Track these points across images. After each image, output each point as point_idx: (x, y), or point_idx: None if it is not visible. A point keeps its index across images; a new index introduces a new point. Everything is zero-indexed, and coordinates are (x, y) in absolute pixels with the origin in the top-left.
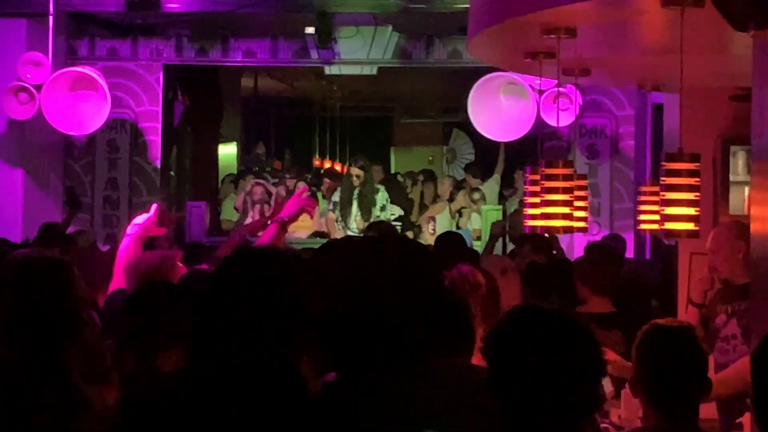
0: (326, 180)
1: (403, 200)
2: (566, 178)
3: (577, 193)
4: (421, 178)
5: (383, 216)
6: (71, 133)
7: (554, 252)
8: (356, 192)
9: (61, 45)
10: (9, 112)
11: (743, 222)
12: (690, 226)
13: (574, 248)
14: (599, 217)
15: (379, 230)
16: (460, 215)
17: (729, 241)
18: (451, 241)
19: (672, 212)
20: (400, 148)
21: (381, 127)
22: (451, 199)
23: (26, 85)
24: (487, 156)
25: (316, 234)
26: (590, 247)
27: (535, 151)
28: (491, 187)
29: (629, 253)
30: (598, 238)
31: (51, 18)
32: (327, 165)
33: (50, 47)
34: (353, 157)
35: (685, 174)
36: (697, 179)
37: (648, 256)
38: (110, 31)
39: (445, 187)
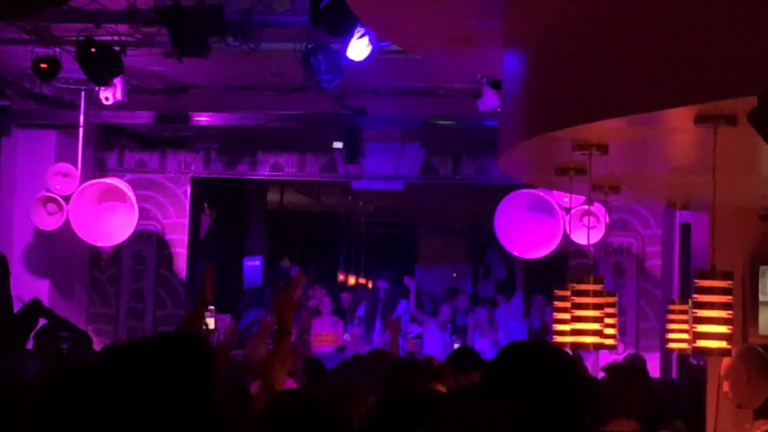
0: (350, 295)
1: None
2: (597, 294)
3: (606, 310)
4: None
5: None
6: (98, 244)
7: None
8: (380, 306)
9: (90, 156)
10: (37, 223)
11: (754, 346)
12: (723, 344)
13: (599, 367)
14: (625, 336)
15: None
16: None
17: (734, 367)
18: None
19: (704, 330)
20: (424, 264)
21: (406, 243)
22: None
23: (55, 195)
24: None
25: (341, 349)
26: (613, 368)
27: (554, 269)
28: (516, 304)
29: (655, 373)
30: (623, 357)
31: (81, 130)
32: (351, 280)
33: (79, 158)
34: (378, 272)
35: (718, 291)
36: (730, 297)
37: (674, 376)
38: (139, 144)
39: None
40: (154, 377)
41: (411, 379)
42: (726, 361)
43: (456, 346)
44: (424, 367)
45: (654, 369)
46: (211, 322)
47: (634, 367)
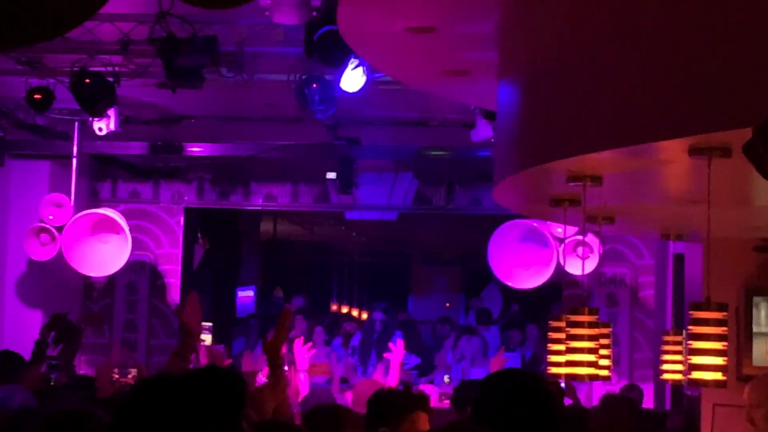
0: (345, 325)
1: (420, 347)
2: (591, 325)
3: (601, 341)
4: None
5: None
6: (91, 274)
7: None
8: (376, 337)
9: (84, 187)
10: (30, 253)
11: None
12: (718, 375)
13: (593, 398)
14: (618, 367)
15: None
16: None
17: None
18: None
19: (699, 361)
20: (417, 294)
21: (399, 274)
22: (454, 346)
23: (48, 226)
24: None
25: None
26: (606, 398)
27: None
28: (496, 333)
29: (649, 404)
30: (617, 387)
31: (74, 160)
32: (344, 310)
33: (73, 189)
34: (372, 302)
35: (713, 323)
36: (725, 328)
37: (668, 406)
38: (132, 174)
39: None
40: (190, 410)
41: (391, 408)
42: (758, 390)
43: (446, 378)
44: (404, 395)
45: (648, 399)
46: (207, 339)
47: (625, 397)
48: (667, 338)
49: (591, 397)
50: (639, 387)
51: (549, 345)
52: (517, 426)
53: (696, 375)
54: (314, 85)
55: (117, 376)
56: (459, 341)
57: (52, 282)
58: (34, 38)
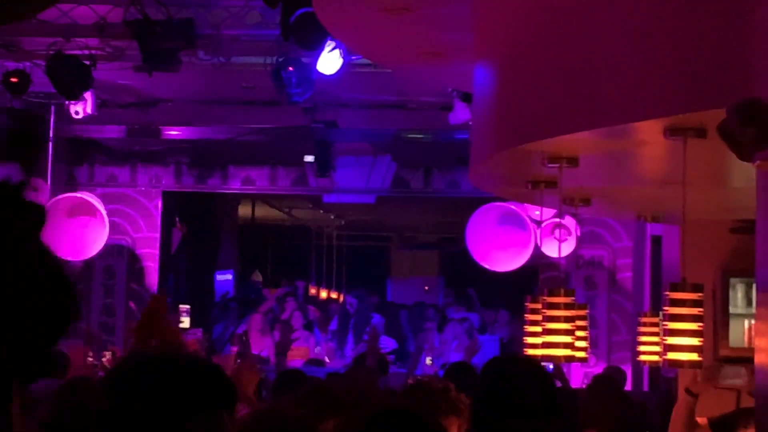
0: (322, 309)
1: (398, 331)
2: (568, 306)
3: (578, 322)
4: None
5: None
6: (68, 258)
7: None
8: (352, 321)
9: (61, 170)
10: None
11: None
12: (694, 356)
13: (571, 380)
14: (596, 349)
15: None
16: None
17: None
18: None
19: (675, 342)
20: (396, 277)
21: (377, 257)
22: (439, 330)
23: None
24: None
25: (311, 362)
26: (595, 380)
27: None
28: (473, 317)
29: (627, 387)
30: (596, 370)
31: (51, 144)
32: (323, 294)
33: (49, 173)
34: (351, 286)
35: (689, 304)
36: (701, 309)
37: (646, 388)
38: (110, 158)
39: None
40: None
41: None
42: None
43: (428, 360)
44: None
45: (626, 382)
46: (185, 322)
47: (609, 378)
48: (643, 320)
49: (570, 379)
50: (623, 370)
51: (526, 327)
52: (523, 410)
53: (672, 356)
54: (291, 68)
55: (91, 359)
56: (446, 325)
57: None
58: (5, 19)
